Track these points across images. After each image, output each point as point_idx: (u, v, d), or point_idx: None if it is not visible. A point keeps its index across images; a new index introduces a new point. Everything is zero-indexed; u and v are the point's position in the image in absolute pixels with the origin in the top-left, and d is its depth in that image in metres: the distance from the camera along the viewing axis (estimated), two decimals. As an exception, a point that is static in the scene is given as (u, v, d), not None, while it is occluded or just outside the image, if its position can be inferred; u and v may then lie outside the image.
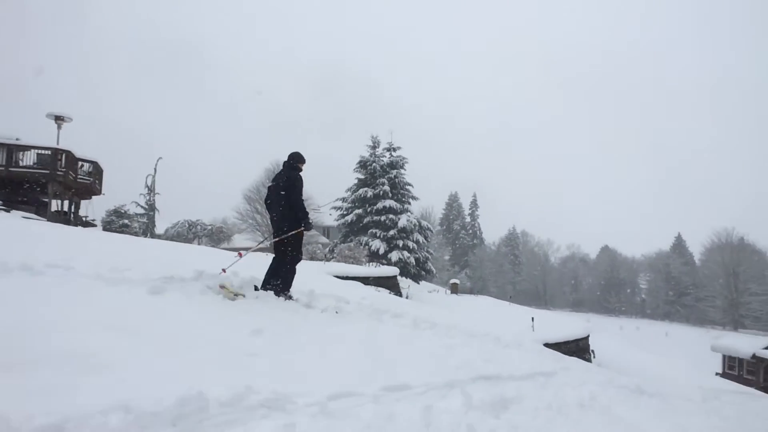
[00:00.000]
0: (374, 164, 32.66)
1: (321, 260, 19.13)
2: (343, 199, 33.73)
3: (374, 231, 30.87)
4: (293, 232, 5.70)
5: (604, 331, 49.05)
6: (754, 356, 13.67)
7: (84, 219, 17.07)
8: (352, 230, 32.18)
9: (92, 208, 18.10)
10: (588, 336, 10.09)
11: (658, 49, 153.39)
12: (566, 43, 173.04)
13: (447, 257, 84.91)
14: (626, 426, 3.07)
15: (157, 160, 32.17)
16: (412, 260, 30.27)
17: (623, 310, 78.49)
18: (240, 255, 6.14)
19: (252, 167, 64.20)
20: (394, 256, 29.78)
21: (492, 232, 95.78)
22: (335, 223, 34.46)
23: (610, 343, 13.40)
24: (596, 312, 77.32)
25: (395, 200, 32.10)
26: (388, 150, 34.08)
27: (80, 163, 15.79)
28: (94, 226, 17.68)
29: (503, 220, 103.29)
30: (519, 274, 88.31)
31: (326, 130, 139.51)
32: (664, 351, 24.98)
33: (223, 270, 5.54)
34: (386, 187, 31.60)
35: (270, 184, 6.27)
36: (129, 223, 32.20)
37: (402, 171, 33.68)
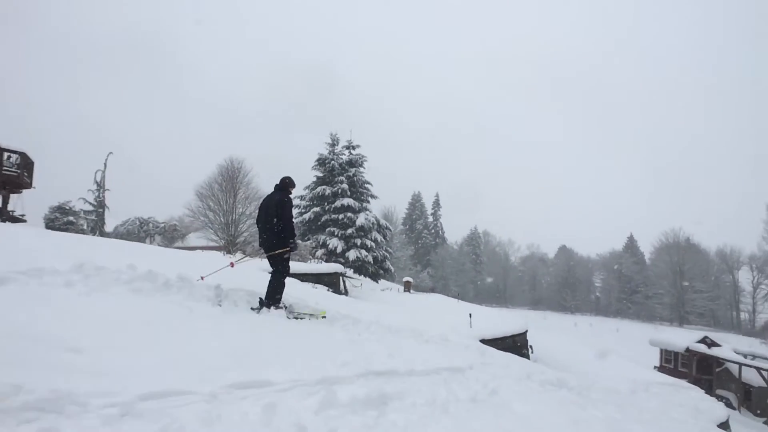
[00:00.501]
0: (333, 162, 32.26)
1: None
2: (301, 197, 33.17)
3: (332, 229, 30.48)
4: (279, 251, 6.16)
5: (558, 328, 50.50)
6: (687, 349, 14.27)
7: (11, 214, 15.91)
8: (310, 228, 31.68)
9: (22, 202, 16.90)
10: (526, 332, 10.17)
11: (619, 52, 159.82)
12: (537, 44, 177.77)
13: (409, 256, 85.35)
14: (515, 420, 2.97)
15: (107, 155, 30.54)
16: (370, 259, 30.05)
17: (579, 307, 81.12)
18: (232, 265, 6.84)
19: (206, 163, 62.12)
20: (352, 254, 29.49)
21: (455, 232, 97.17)
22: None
23: (558, 340, 13.68)
24: (553, 310, 79.62)
25: (354, 198, 31.80)
26: (348, 148, 33.76)
27: (5, 153, 14.69)
28: (24, 221, 16.49)
29: (466, 220, 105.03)
30: (480, 273, 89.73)
31: (288, 127, 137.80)
32: (613, 346, 25.89)
33: (202, 278, 5.94)
34: (345, 186, 31.27)
35: (261, 203, 6.71)
36: (75, 221, 30.50)
37: (361, 169, 33.40)
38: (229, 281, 5.90)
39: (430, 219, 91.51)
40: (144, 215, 39.32)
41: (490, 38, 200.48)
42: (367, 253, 29.92)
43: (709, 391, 13.24)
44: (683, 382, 9.85)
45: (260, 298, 6.01)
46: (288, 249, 6.18)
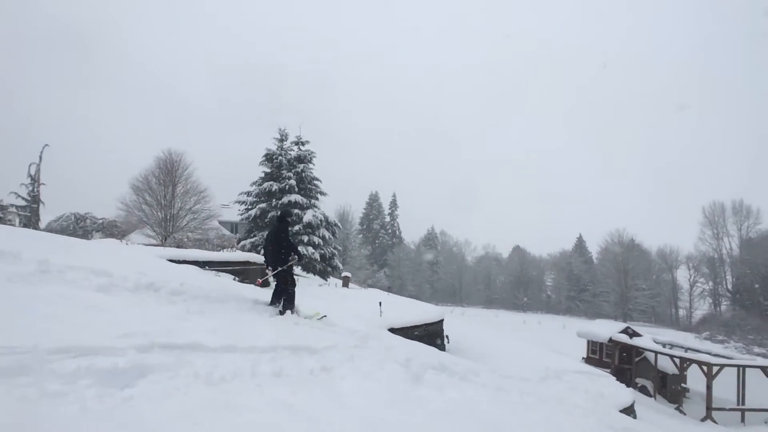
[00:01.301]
0: (281, 158, 31.47)
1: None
2: (248, 193, 32.19)
3: (278, 226, 29.60)
4: (286, 266, 7.61)
5: (506, 325, 51.71)
6: (610, 340, 14.75)
7: None
8: (257, 225, 30.79)
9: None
10: (440, 321, 10.07)
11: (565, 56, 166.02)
12: (488, 48, 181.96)
13: (366, 255, 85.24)
14: (330, 393, 2.74)
15: (43, 148, 28.44)
16: (317, 256, 29.47)
17: (530, 306, 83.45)
18: (258, 283, 8.46)
19: (144, 156, 58.58)
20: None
21: (413, 232, 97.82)
22: (238, 218, 32.83)
23: (488, 334, 13.76)
24: (507, 308, 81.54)
25: (302, 195, 31.14)
26: (297, 144, 33.02)
27: None
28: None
29: (422, 220, 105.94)
30: (437, 273, 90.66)
31: (242, 124, 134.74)
32: (554, 342, 26.65)
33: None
34: (292, 182, 30.53)
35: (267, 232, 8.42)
36: (3, 216, 28.28)
37: (310, 165, 32.76)
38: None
39: (387, 219, 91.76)
40: (81, 211, 37.13)
41: (448, 41, 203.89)
42: (314, 251, 29.35)
43: (631, 379, 13.77)
44: (597, 370, 10.09)
45: (278, 308, 7.54)
46: (291, 262, 7.70)
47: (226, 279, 8.62)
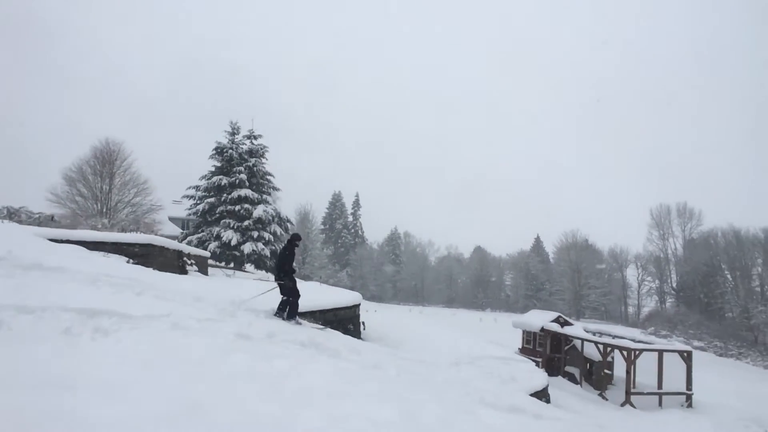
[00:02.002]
0: (231, 151, 30.66)
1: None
2: (196, 188, 31.18)
3: (228, 221, 28.91)
4: (280, 282, 8.79)
5: (462, 322, 52.34)
6: (542, 329, 15.02)
7: None
8: (206, 220, 29.86)
9: None
10: (354, 306, 9.91)
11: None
12: (448, 52, 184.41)
13: (328, 255, 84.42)
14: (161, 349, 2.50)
15: None
16: (267, 252, 28.86)
17: (489, 304, 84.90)
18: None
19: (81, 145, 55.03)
20: (248, 247, 28.17)
21: (377, 232, 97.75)
22: (185, 213, 31.75)
23: (423, 327, 13.73)
24: (467, 307, 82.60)
25: (253, 190, 30.45)
26: (249, 138, 32.32)
27: None
28: None
29: (387, 221, 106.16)
30: (399, 273, 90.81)
31: (198, 120, 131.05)
32: (501, 336, 27.15)
33: None
34: (243, 176, 29.83)
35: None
36: None
37: (262, 160, 32.10)
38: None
39: (350, 219, 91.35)
40: (14, 204, 34.89)
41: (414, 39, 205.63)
42: (264, 247, 28.73)
43: (561, 367, 14.08)
44: (518, 357, 10.22)
45: (280, 315, 8.60)
46: (282, 282, 8.80)
47: (117, 261, 8.06)
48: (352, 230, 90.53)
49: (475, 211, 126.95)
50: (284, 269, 8.79)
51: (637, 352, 12.30)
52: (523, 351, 15.67)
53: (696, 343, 47.77)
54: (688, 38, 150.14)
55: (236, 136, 31.53)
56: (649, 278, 75.42)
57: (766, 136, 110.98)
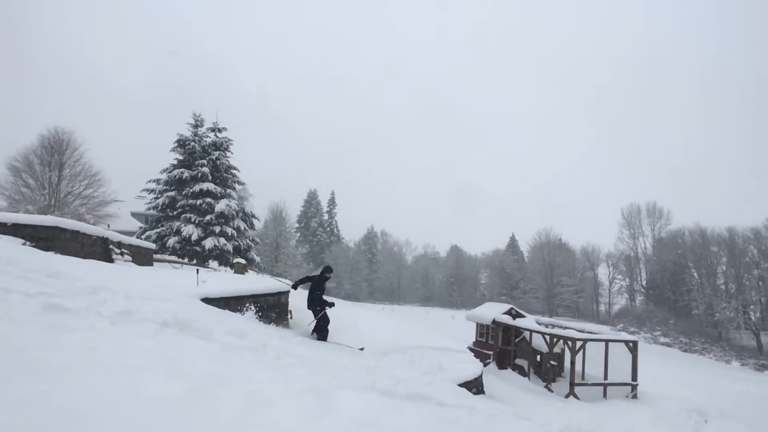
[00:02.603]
0: (194, 144, 29.76)
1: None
2: (157, 181, 30.17)
3: (189, 216, 28.04)
4: (320, 315, 9.31)
5: (436, 320, 52.31)
6: (494, 321, 14.85)
7: None
8: (167, 215, 28.93)
9: None
10: (279, 294, 9.52)
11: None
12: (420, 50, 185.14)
13: (303, 254, 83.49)
14: None
15: None
16: (230, 248, 28.08)
17: (465, 303, 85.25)
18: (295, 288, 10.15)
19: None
20: (209, 243, 27.37)
21: (354, 231, 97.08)
22: (144, 207, 30.77)
23: (373, 321, 13.31)
24: (442, 306, 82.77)
25: (217, 184, 29.63)
26: (213, 130, 31.43)
27: None
28: None
29: (366, 220, 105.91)
30: (375, 272, 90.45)
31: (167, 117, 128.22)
32: (465, 332, 27.04)
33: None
34: (206, 169, 28.97)
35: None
36: None
37: (227, 153, 31.27)
38: None
39: (326, 217, 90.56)
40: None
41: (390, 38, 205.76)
42: (226, 242, 27.95)
43: (512, 360, 13.92)
44: (457, 348, 9.96)
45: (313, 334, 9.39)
46: (323, 312, 9.40)
47: (11, 243, 7.38)
48: (328, 228, 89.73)
49: (453, 211, 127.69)
50: (314, 299, 9.35)
51: (581, 342, 12.15)
52: (477, 344, 15.48)
53: (662, 339, 48.79)
54: (652, 41, 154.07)
55: (200, 129, 30.66)
56: (619, 276, 76.95)
57: (732, 139, 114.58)
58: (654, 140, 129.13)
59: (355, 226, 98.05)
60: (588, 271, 79.80)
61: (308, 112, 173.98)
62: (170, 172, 29.07)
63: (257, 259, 30.65)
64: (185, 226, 27.26)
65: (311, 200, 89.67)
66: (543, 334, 12.64)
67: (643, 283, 74.07)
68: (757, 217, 73.92)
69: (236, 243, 28.45)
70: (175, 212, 28.40)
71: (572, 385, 11.43)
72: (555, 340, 12.03)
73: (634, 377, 12.65)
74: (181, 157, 29.90)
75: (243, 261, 17.60)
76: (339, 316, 10.86)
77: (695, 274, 63.70)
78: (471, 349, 15.37)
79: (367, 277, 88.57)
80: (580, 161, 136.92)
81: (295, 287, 9.91)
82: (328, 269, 10.21)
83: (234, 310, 7.25)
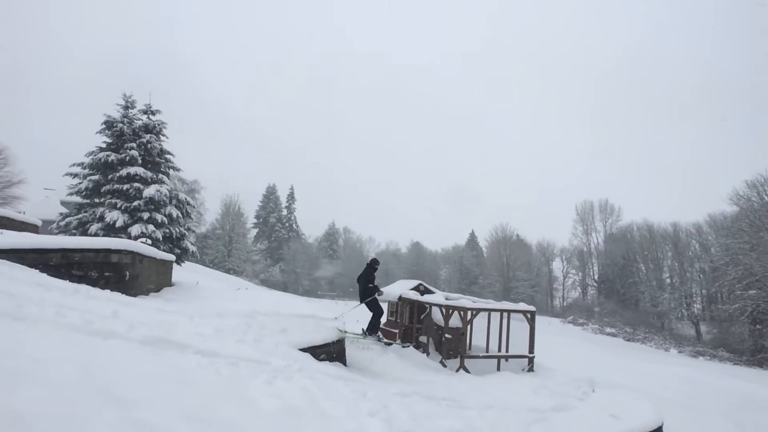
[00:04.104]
0: (122, 126, 28.00)
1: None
2: (81, 165, 28.21)
3: (114, 201, 26.35)
4: (369, 299, 10.34)
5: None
6: (400, 298, 14.42)
7: None
8: (92, 202, 27.13)
9: None
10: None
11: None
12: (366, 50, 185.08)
13: (262, 250, 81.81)
14: None
15: None
16: (159, 235, 26.51)
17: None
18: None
19: None
20: (136, 230, 25.74)
21: (319, 228, 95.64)
22: (66, 193, 28.82)
23: (258, 292, 12.66)
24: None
25: (148, 168, 28.00)
26: (145, 113, 29.71)
27: None
28: None
29: (329, 217, 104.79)
30: (336, 268, 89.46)
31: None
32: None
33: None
34: (134, 152, 27.28)
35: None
36: None
37: (160, 137, 29.62)
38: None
39: (285, 212, 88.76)
40: None
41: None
42: (155, 229, 26.39)
43: (415, 336, 13.51)
44: (325, 316, 9.56)
45: (362, 329, 10.61)
46: (374, 296, 10.30)
47: None
48: (287, 224, 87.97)
49: (417, 207, 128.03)
50: (366, 291, 10.12)
51: (474, 312, 11.79)
52: (387, 324, 14.98)
53: (608, 330, 50.18)
54: (605, 43, 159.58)
55: (130, 111, 28.91)
56: (573, 271, 78.94)
57: (678, 138, 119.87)
58: (609, 139, 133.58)
59: (318, 223, 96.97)
60: (543, 266, 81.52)
61: (270, 111, 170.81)
62: (95, 155, 27.25)
63: (192, 248, 29.06)
64: (110, 212, 25.62)
65: (270, 195, 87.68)
66: (440, 307, 12.21)
67: (595, 277, 76.23)
68: (699, 212, 77.66)
69: (167, 231, 26.96)
70: (101, 198, 26.68)
71: (462, 357, 11.03)
72: (450, 312, 11.61)
73: (531, 350, 12.42)
74: (109, 140, 28.13)
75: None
76: (232, 292, 10.07)
77: (642, 268, 66.00)
78: (381, 329, 14.84)
79: (325, 273, 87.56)
80: (543, 156, 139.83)
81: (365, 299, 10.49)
82: (374, 261, 11.37)
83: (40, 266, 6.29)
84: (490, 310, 12.58)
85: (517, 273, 76.20)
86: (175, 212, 28.06)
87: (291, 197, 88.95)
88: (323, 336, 7.27)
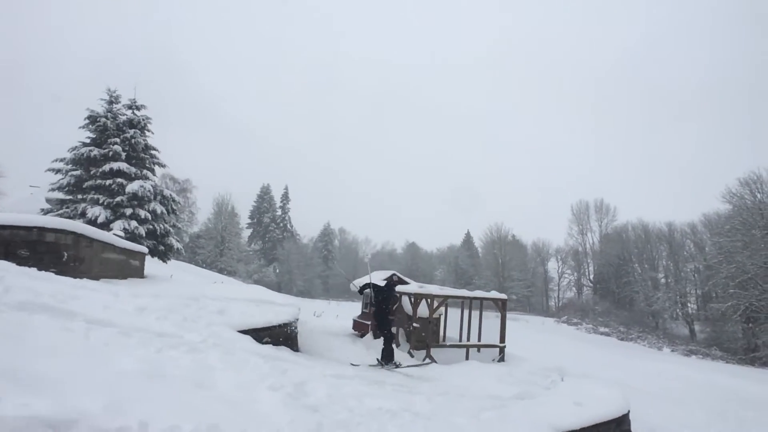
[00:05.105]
0: (106, 120, 27.66)
1: None
2: (63, 160, 27.87)
3: (96, 197, 26.02)
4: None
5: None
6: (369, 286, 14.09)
7: None
8: (75, 198, 26.79)
9: None
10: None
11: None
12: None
13: (256, 250, 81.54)
14: None
15: None
16: (143, 231, 26.16)
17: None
18: None
19: None
20: (118, 225, 25.37)
21: (315, 229, 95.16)
22: (49, 189, 28.46)
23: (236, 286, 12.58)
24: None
25: (132, 164, 27.68)
26: (130, 108, 29.39)
27: None
28: None
29: (325, 217, 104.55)
30: (331, 268, 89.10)
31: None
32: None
33: None
34: (118, 147, 26.96)
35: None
36: None
37: (145, 132, 29.30)
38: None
39: (279, 212, 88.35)
40: None
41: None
42: (138, 225, 26.04)
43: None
44: (281, 298, 9.25)
45: (377, 359, 8.90)
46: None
47: None
48: (281, 224, 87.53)
49: (415, 208, 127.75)
50: (384, 320, 9.14)
51: (440, 300, 11.48)
52: (360, 316, 14.63)
53: (602, 329, 49.89)
54: (605, 42, 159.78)
55: (115, 106, 28.59)
56: (568, 271, 78.69)
57: (675, 139, 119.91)
58: (606, 139, 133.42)
59: (313, 223, 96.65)
60: (539, 267, 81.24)
61: (267, 113, 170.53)
62: (77, 150, 26.91)
63: (178, 245, 28.67)
64: (92, 207, 25.26)
65: (264, 195, 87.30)
66: (410, 295, 11.89)
67: (591, 277, 75.99)
68: (695, 212, 77.53)
69: (151, 227, 26.59)
70: (82, 194, 26.34)
71: (428, 347, 10.71)
72: (417, 300, 11.29)
73: (502, 339, 12.11)
74: (92, 135, 27.80)
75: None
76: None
77: (637, 268, 65.78)
78: (355, 321, 14.53)
79: (321, 274, 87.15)
80: (540, 156, 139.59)
81: (361, 292, 9.84)
82: (393, 280, 9.83)
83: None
84: (457, 297, 12.29)
85: (512, 273, 75.92)
86: (159, 208, 27.71)
87: (285, 197, 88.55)
88: (267, 319, 6.96)
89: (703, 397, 14.81)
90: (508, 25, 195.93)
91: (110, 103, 28.46)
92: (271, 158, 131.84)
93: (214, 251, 62.19)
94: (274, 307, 7.86)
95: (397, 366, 8.89)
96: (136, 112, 29.06)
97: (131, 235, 25.76)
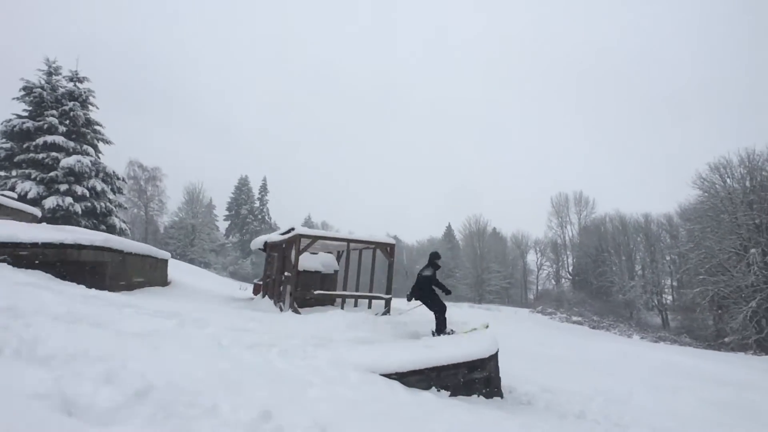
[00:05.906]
0: (42, 92, 26.21)
1: None
2: (-6, 132, 26.33)
3: (28, 171, 24.61)
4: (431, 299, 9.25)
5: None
6: (265, 243, 13.16)
7: None
8: (7, 175, 25.29)
9: None
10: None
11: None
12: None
13: (234, 243, 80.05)
14: None
15: None
16: (79, 209, 24.80)
17: (397, 291, 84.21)
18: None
19: None
20: (51, 201, 24.03)
21: (295, 222, 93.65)
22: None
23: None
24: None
25: (72, 139, 26.31)
26: (71, 80, 27.95)
27: None
28: None
29: (306, 210, 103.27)
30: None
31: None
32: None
33: None
34: (54, 120, 25.59)
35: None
36: None
37: (88, 106, 27.89)
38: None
39: (257, 204, 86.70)
40: None
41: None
42: (74, 202, 24.67)
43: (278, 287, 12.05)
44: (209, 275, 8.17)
45: (431, 330, 8.92)
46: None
47: None
48: (259, 216, 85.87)
49: (397, 200, 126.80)
50: (431, 293, 9.03)
51: (308, 240, 10.46)
52: (261, 278, 13.60)
53: (575, 318, 49.32)
54: (587, 35, 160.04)
55: (54, 77, 27.12)
56: (548, 263, 78.30)
57: (650, 130, 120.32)
58: (585, 130, 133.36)
59: (294, 216, 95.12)
60: (518, 259, 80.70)
61: (249, 107, 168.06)
62: (9, 122, 25.41)
63: (121, 225, 27.31)
64: (22, 182, 23.82)
65: (242, 187, 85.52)
66: (282, 243, 10.81)
67: (570, 269, 75.62)
68: (671, 203, 77.55)
69: (88, 204, 25.21)
70: (16, 169, 24.87)
71: (294, 298, 9.74)
72: (288, 246, 10.24)
73: (389, 290, 11.20)
74: (28, 108, 26.34)
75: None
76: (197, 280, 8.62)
77: (615, 259, 65.47)
78: (255, 284, 13.50)
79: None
80: (525, 150, 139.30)
81: (409, 299, 9.43)
82: (434, 255, 9.69)
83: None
84: (328, 239, 11.31)
85: (491, 265, 75.24)
86: (100, 185, 26.36)
87: (264, 189, 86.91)
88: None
89: (646, 373, 13.97)
90: (504, 22, 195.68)
91: (49, 74, 26.97)
92: (247, 150, 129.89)
93: (184, 241, 60.50)
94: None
95: (450, 332, 8.82)
96: (78, 84, 27.61)
97: (65, 212, 24.38)
